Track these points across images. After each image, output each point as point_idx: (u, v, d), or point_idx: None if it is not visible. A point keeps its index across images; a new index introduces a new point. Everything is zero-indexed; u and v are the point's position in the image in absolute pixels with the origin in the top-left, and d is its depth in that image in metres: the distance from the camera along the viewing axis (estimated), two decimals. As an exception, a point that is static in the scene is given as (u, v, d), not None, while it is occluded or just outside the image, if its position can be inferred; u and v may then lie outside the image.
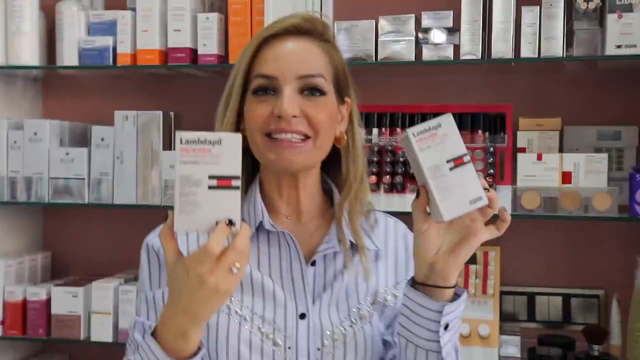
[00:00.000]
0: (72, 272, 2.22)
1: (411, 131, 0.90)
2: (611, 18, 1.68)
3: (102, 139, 1.98)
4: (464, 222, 0.92)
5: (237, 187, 0.84)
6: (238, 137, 0.84)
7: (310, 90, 1.03)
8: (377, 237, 1.11)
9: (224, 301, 0.86)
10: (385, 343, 1.07)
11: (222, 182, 0.84)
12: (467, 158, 0.89)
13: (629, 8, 1.67)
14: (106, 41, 1.97)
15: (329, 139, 1.06)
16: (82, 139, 2.09)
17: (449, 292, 0.95)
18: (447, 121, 0.90)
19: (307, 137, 1.03)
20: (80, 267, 2.23)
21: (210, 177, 0.83)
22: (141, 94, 2.17)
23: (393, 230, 1.14)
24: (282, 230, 1.06)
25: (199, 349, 0.91)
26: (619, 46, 1.68)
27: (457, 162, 0.89)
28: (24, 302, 2.02)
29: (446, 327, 0.94)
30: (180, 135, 0.84)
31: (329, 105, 1.05)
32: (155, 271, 1.06)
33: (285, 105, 1.01)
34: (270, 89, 1.03)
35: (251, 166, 1.10)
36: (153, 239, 1.07)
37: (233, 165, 0.84)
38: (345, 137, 1.10)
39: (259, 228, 1.06)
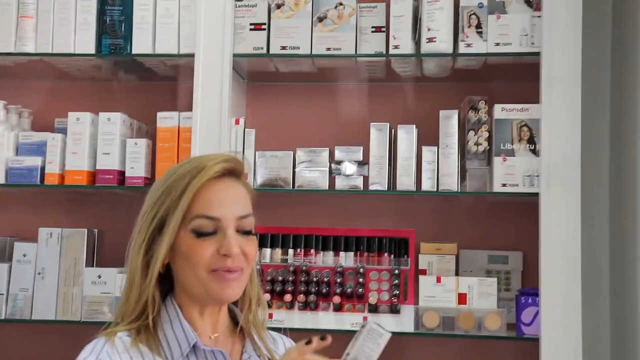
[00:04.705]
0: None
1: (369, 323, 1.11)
2: (497, 160, 1.94)
3: (24, 255, 2.03)
4: None
5: None
6: None
7: (245, 230, 1.18)
8: (280, 350, 1.27)
9: None
10: None
11: None
12: None
13: (511, 153, 1.94)
14: (35, 161, 2.05)
15: None
16: (2, 254, 2.12)
17: None
18: (379, 336, 1.09)
19: (241, 270, 1.17)
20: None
21: None
22: (67, 210, 2.24)
23: (289, 344, 1.31)
24: (217, 349, 1.18)
25: None
26: (504, 184, 1.94)
27: None
28: None
29: None
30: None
31: (255, 238, 1.21)
32: None
33: (233, 246, 1.15)
34: (211, 229, 1.16)
35: (160, 292, 1.19)
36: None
37: None
38: None
39: (192, 349, 1.16)
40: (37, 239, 2.03)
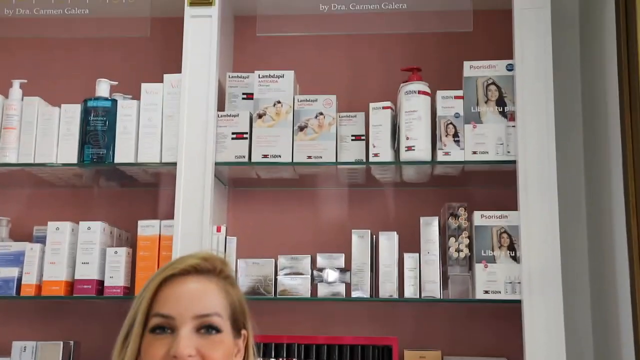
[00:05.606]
0: None
1: None
2: (478, 267, 1.95)
3: (-3, 371, 1.96)
4: None
5: None
6: None
7: (207, 328, 1.12)
8: None
9: None
10: None
11: None
12: None
13: (492, 260, 1.95)
14: (11, 272, 2.01)
15: None
16: (-28, 369, 2.05)
17: None
18: None
19: None
20: None
21: None
22: (43, 321, 2.18)
23: None
24: None
25: None
26: (486, 292, 1.94)
27: None
28: None
29: None
30: None
31: (225, 341, 1.14)
32: None
33: (181, 347, 1.09)
34: (167, 327, 1.11)
35: None
36: None
37: None
38: None
39: None
40: (11, 354, 1.97)
